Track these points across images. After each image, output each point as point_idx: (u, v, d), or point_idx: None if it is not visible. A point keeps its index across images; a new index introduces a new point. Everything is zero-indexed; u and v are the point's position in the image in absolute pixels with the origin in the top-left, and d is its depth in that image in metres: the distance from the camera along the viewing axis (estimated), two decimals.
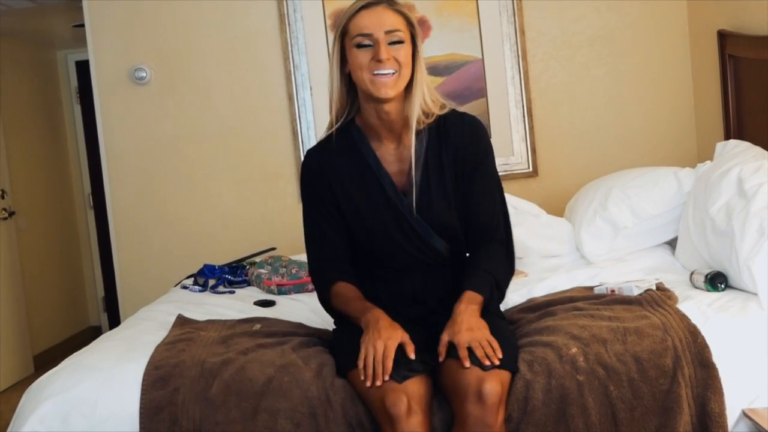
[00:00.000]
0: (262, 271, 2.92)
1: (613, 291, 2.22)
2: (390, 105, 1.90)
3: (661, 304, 2.04)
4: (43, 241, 5.32)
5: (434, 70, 3.64)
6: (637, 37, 3.71)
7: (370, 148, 1.96)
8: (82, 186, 5.90)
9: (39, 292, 5.17)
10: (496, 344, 1.74)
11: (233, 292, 2.88)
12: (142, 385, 1.82)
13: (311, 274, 2.03)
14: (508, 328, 2.00)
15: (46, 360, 4.86)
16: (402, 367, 1.71)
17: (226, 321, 2.26)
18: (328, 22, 3.72)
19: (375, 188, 1.95)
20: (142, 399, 1.80)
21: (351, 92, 1.98)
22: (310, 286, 2.79)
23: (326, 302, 2.00)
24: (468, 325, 1.77)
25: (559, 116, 3.75)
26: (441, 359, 1.77)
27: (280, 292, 2.80)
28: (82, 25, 3.89)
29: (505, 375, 1.74)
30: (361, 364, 1.73)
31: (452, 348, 1.75)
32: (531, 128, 3.72)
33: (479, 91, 3.72)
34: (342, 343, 1.94)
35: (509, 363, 1.77)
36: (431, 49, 3.64)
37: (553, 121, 3.74)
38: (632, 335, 1.87)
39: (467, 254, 2.04)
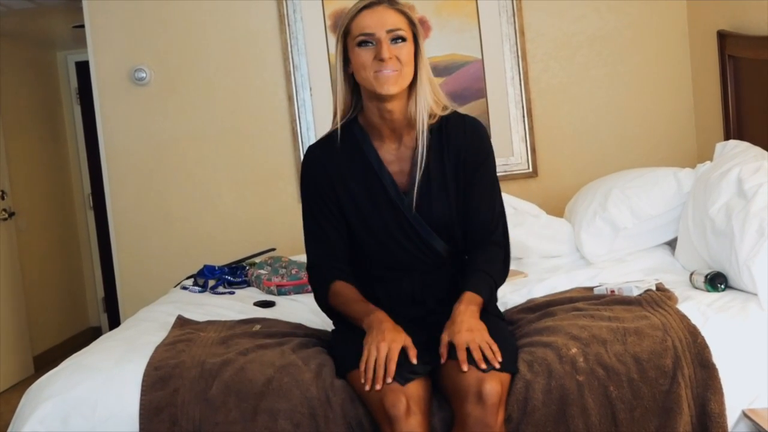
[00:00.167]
0: (262, 271, 2.92)
1: (612, 291, 2.22)
2: (393, 104, 1.91)
3: (661, 305, 2.04)
4: (43, 242, 5.32)
5: (434, 70, 3.59)
6: (637, 38, 3.71)
7: (372, 147, 1.97)
8: (81, 187, 5.90)
9: (39, 292, 5.17)
10: (495, 347, 1.74)
11: (233, 293, 2.88)
12: (142, 385, 1.82)
13: (309, 271, 2.03)
14: (508, 329, 2.00)
15: (46, 361, 4.86)
16: (404, 369, 1.71)
17: (225, 322, 2.26)
18: (328, 23, 3.72)
19: (376, 187, 1.95)
20: (141, 400, 1.80)
21: (355, 92, 1.98)
22: (310, 287, 2.79)
23: (323, 300, 2.00)
24: (468, 326, 1.77)
25: (558, 117, 3.75)
26: (443, 360, 1.76)
27: (279, 293, 2.80)
28: (82, 26, 3.90)
29: (505, 375, 1.74)
30: (362, 366, 1.72)
31: (453, 348, 1.75)
32: (531, 128, 3.72)
33: (479, 92, 3.72)
34: (342, 344, 1.94)
35: (509, 364, 1.77)
36: (431, 49, 3.63)
37: (553, 121, 3.74)
38: (632, 336, 1.87)
39: (466, 255, 2.04)
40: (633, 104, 3.73)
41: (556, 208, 3.31)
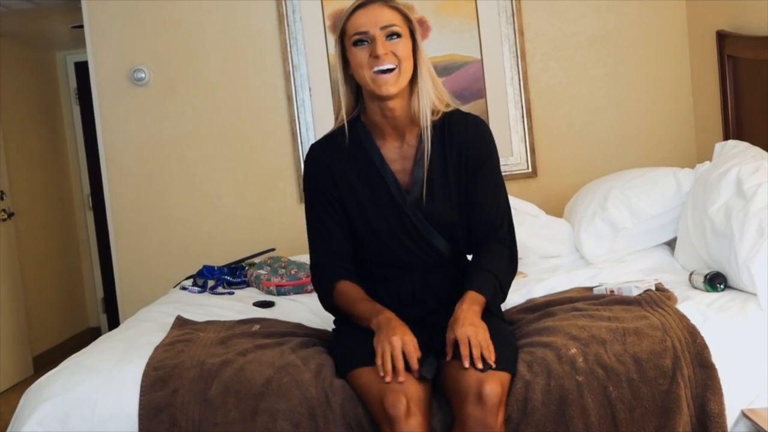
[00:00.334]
0: (261, 272, 2.92)
1: (612, 291, 2.22)
2: (394, 102, 1.91)
3: (660, 305, 2.04)
4: (42, 242, 5.32)
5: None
6: (636, 38, 3.71)
7: (375, 145, 1.96)
8: (81, 187, 5.90)
9: (38, 293, 5.17)
10: (492, 348, 1.74)
11: (232, 293, 2.87)
12: (141, 386, 1.82)
13: (312, 269, 2.02)
14: (508, 329, 2.00)
15: (46, 361, 4.86)
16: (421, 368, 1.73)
17: (225, 322, 2.26)
18: (327, 23, 3.72)
19: (378, 185, 1.95)
20: (141, 400, 1.80)
21: (358, 92, 1.98)
22: (310, 287, 2.79)
23: (327, 300, 1.99)
24: (470, 322, 1.77)
25: (558, 117, 3.75)
26: (449, 358, 1.76)
27: (279, 293, 2.80)
28: (81, 26, 3.89)
29: (505, 376, 1.74)
30: (379, 361, 1.72)
31: (455, 349, 1.75)
32: (530, 129, 3.72)
33: (478, 92, 3.72)
34: (342, 344, 1.94)
35: (508, 365, 1.77)
36: (430, 49, 3.63)
37: (553, 121, 3.74)
38: (631, 336, 1.86)
39: (470, 254, 2.04)
40: (632, 104, 3.73)
41: (556, 208, 3.31)
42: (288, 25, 3.73)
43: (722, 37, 3.24)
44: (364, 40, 1.87)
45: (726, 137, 3.24)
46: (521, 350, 1.88)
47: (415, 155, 1.96)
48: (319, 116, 3.71)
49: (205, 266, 3.11)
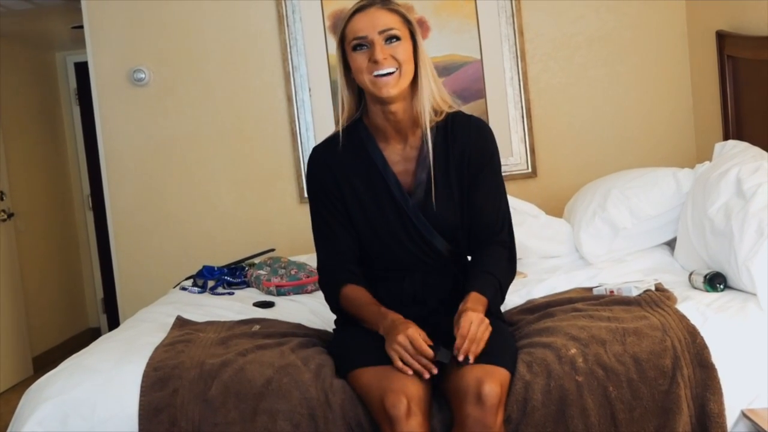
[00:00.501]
0: (261, 272, 2.92)
1: (612, 292, 2.22)
2: (396, 105, 1.91)
3: (660, 305, 2.04)
4: (42, 243, 5.32)
5: None
6: (636, 38, 3.71)
7: (377, 148, 1.97)
8: (81, 187, 5.90)
9: (38, 293, 5.17)
10: (481, 345, 1.74)
11: (232, 294, 2.87)
12: (141, 386, 1.82)
13: (320, 271, 2.02)
14: (508, 330, 2.00)
15: (46, 361, 4.86)
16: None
17: (225, 322, 2.26)
18: (327, 23, 3.72)
19: (380, 187, 1.95)
20: (141, 400, 1.80)
21: (360, 95, 1.99)
22: (309, 287, 2.79)
23: (333, 302, 2.00)
24: (477, 317, 1.77)
25: (558, 117, 3.75)
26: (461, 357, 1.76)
27: (279, 293, 2.80)
28: (81, 27, 3.89)
29: (505, 376, 1.75)
30: (399, 364, 1.72)
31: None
32: (530, 129, 3.72)
33: (478, 92, 3.72)
34: (342, 344, 1.94)
35: (508, 365, 1.77)
36: (430, 50, 3.61)
37: (552, 121, 3.74)
38: (631, 336, 1.87)
39: (470, 256, 2.04)
40: (632, 104, 3.73)
41: (556, 208, 3.31)
42: (288, 26, 3.73)
43: (722, 37, 3.24)
44: (363, 44, 1.87)
45: (726, 137, 3.24)
46: (521, 351, 1.88)
47: (417, 157, 1.96)
48: (318, 116, 3.71)
49: (204, 266, 3.11)
